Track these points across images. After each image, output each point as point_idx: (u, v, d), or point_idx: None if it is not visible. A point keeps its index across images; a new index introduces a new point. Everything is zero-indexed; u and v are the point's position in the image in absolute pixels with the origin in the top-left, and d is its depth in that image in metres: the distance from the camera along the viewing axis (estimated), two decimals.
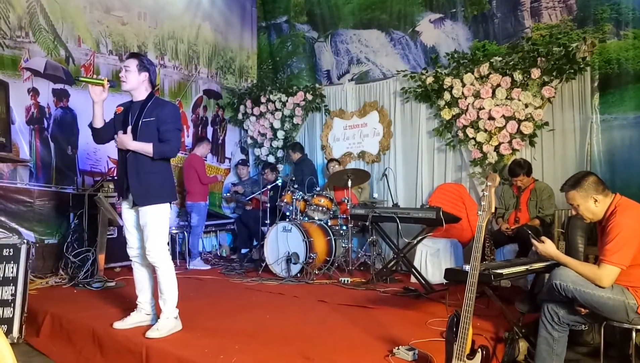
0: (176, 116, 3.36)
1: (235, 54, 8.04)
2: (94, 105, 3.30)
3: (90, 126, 3.37)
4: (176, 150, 3.33)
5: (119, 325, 3.38)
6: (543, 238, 2.82)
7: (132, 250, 3.43)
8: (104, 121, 3.35)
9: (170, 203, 3.39)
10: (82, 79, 3.32)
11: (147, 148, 3.20)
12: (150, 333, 3.16)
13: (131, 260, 3.50)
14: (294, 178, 6.04)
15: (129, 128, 3.24)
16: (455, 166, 5.90)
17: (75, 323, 3.59)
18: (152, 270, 3.41)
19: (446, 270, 3.18)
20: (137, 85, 3.28)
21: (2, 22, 5.30)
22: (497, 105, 5.34)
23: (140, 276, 3.47)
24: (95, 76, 3.27)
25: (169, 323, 3.25)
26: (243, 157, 7.94)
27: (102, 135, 3.39)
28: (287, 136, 7.34)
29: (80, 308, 3.95)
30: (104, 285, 4.78)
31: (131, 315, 3.45)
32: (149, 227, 3.24)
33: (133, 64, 3.25)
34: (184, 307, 3.83)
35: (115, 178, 5.56)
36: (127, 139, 3.21)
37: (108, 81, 3.26)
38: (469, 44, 6.00)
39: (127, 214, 3.40)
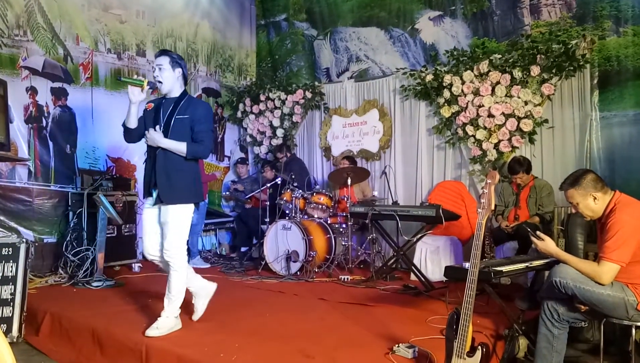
0: (210, 116, 3.38)
1: (234, 52, 8.02)
2: (130, 105, 3.25)
3: (124, 125, 3.34)
4: (208, 151, 3.34)
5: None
6: (542, 235, 2.82)
7: (150, 254, 3.38)
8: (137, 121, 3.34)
9: (197, 204, 3.36)
10: (123, 79, 3.34)
11: (180, 146, 3.17)
12: (150, 332, 3.15)
13: (148, 260, 3.47)
14: (293, 176, 6.03)
15: (161, 125, 3.23)
16: (455, 164, 5.89)
17: (74, 322, 3.59)
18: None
19: (446, 267, 3.17)
20: (173, 83, 3.27)
21: (0, 20, 5.29)
22: (497, 102, 5.33)
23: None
24: (136, 77, 3.28)
25: (169, 322, 3.25)
26: (242, 155, 7.93)
27: (134, 134, 3.35)
28: (287, 134, 7.34)
29: (80, 307, 3.94)
30: (104, 283, 4.78)
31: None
32: (169, 226, 3.20)
33: (165, 61, 3.23)
34: (184, 306, 3.83)
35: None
36: (158, 137, 3.18)
37: (148, 83, 3.22)
38: (468, 41, 5.99)
39: (149, 213, 3.34)
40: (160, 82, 3.24)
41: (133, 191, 5.88)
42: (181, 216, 3.23)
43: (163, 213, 3.24)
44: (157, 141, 3.19)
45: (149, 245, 3.36)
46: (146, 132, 3.27)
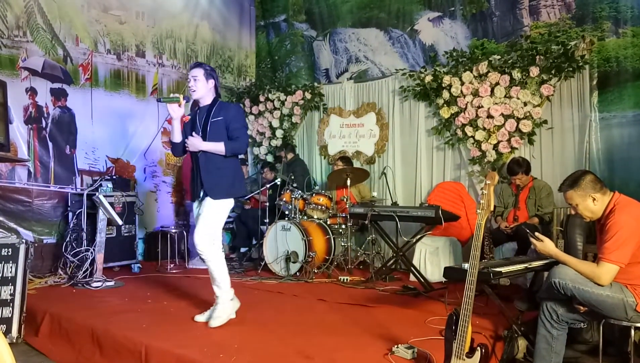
0: (242, 114, 3.62)
1: (234, 53, 8.02)
2: (173, 121, 3.48)
3: (170, 141, 3.59)
4: (245, 146, 3.56)
5: (200, 318, 3.53)
6: (541, 236, 2.82)
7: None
8: (182, 136, 3.54)
9: (237, 199, 3.56)
10: (163, 100, 3.53)
11: (219, 147, 3.39)
12: (213, 322, 3.33)
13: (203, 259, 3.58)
14: (293, 177, 6.04)
15: (198, 131, 3.44)
16: (454, 165, 5.89)
17: (74, 323, 3.59)
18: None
19: (445, 268, 3.17)
20: (206, 92, 3.50)
21: (0, 21, 5.29)
22: (496, 103, 5.34)
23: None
24: (172, 95, 3.52)
25: (227, 308, 3.43)
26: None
27: (180, 149, 3.57)
28: (286, 135, 7.34)
29: (79, 307, 3.94)
30: (103, 284, 4.78)
31: (212, 309, 3.56)
32: (203, 217, 3.40)
33: (200, 73, 3.46)
34: (183, 306, 3.84)
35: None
36: (197, 141, 3.41)
37: (184, 97, 3.45)
38: (467, 42, 5.99)
39: (198, 212, 3.53)
40: (194, 91, 3.47)
41: (133, 192, 5.88)
42: (216, 209, 3.42)
43: (202, 206, 3.45)
44: (197, 146, 3.42)
45: None
46: (186, 140, 3.48)
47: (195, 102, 3.65)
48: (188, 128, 3.55)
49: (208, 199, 3.41)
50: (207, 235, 3.39)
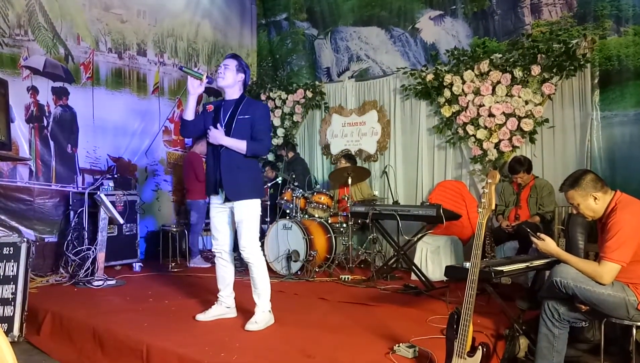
0: (269, 116, 3.59)
1: (235, 51, 8.00)
2: (189, 96, 3.42)
3: (181, 117, 3.51)
4: (267, 150, 3.54)
5: (201, 317, 3.53)
6: (542, 235, 2.82)
7: (219, 246, 3.54)
8: (195, 115, 3.47)
9: (261, 200, 3.52)
10: (185, 69, 3.48)
11: (240, 144, 3.31)
12: (249, 326, 3.29)
13: (215, 255, 3.61)
14: (294, 175, 6.04)
15: (222, 124, 3.36)
16: (456, 164, 5.89)
17: (75, 322, 3.59)
18: (236, 266, 3.71)
19: (446, 267, 3.17)
20: (233, 83, 3.42)
21: (1, 20, 5.29)
22: (497, 102, 5.33)
23: (224, 272, 3.59)
24: (196, 69, 3.49)
25: (265, 317, 3.39)
26: None
27: (190, 128, 3.48)
28: (287, 133, 7.34)
29: (81, 306, 3.95)
30: (104, 283, 4.78)
31: (212, 308, 3.59)
32: (245, 224, 3.35)
33: (233, 63, 3.42)
34: (184, 305, 3.84)
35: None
36: (220, 135, 3.33)
37: (207, 77, 3.39)
38: (469, 40, 5.98)
39: (218, 210, 3.49)
40: (221, 78, 3.41)
41: (134, 191, 5.88)
42: (253, 213, 3.40)
43: (236, 213, 3.38)
44: (218, 139, 3.33)
45: (223, 242, 3.55)
46: (208, 130, 3.39)
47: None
48: (210, 119, 3.45)
49: (240, 207, 3.35)
50: (252, 239, 3.38)
